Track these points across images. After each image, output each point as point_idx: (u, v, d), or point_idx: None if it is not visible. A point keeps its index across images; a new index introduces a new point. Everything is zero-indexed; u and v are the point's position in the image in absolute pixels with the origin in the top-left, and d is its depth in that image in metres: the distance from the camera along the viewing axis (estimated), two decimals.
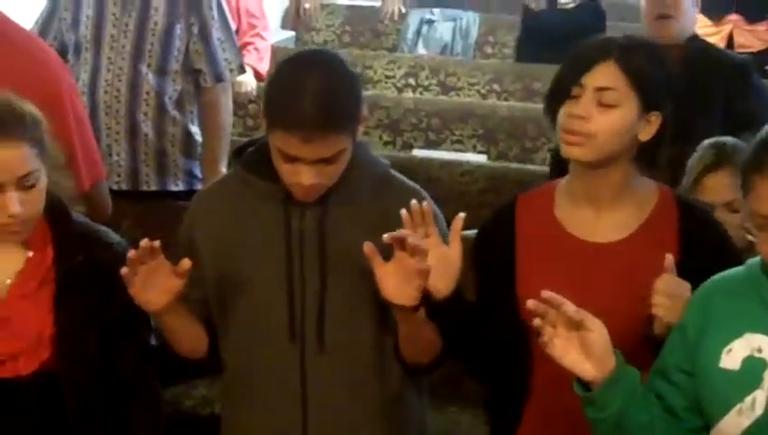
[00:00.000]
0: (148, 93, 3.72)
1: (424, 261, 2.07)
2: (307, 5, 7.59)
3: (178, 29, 3.73)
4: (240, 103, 5.07)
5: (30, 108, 2.26)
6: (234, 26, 4.02)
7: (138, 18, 3.70)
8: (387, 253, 2.10)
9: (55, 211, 2.33)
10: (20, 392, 2.25)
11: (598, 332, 1.92)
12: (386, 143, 5.50)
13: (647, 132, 2.18)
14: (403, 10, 7.59)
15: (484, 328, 2.27)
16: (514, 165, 4.88)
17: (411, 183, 2.35)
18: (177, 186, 3.87)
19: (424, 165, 4.50)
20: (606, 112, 2.14)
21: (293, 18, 7.66)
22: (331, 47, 7.32)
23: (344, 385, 2.28)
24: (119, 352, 2.35)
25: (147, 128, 3.75)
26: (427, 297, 2.14)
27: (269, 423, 2.31)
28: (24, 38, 2.87)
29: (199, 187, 3.86)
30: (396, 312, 2.16)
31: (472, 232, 2.31)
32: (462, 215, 2.16)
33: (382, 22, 7.61)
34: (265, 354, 2.28)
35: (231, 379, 2.38)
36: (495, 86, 6.34)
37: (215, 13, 3.80)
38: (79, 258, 2.30)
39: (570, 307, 1.91)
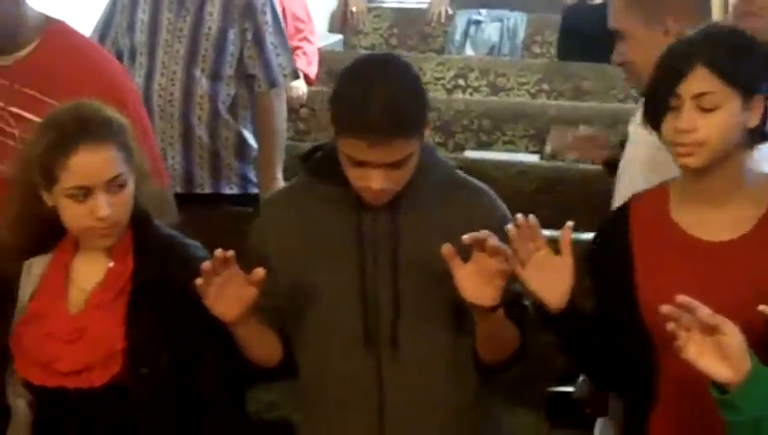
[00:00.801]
0: (201, 98, 3.73)
1: (503, 262, 2.06)
2: (354, 9, 7.59)
3: (232, 34, 3.73)
4: (292, 108, 5.07)
5: (115, 114, 2.28)
6: None
7: (192, 23, 3.70)
8: (461, 253, 2.08)
9: (140, 221, 2.32)
10: (93, 404, 2.24)
11: (733, 335, 1.90)
12: (438, 145, 5.48)
13: (754, 118, 2.14)
14: (450, 11, 7.56)
15: (605, 335, 2.24)
16: (569, 164, 4.85)
17: (478, 182, 2.34)
18: (232, 189, 3.87)
19: (477, 166, 4.45)
20: (710, 116, 2.10)
21: (341, 21, 7.66)
22: (379, 50, 7.31)
23: (420, 392, 2.26)
24: (198, 369, 2.30)
25: (201, 131, 3.75)
26: (539, 307, 2.14)
27: (346, 430, 2.29)
28: (88, 47, 2.87)
29: (254, 190, 3.87)
30: (475, 313, 2.15)
31: (584, 235, 2.27)
32: (570, 224, 2.12)
33: (429, 24, 7.59)
34: (340, 362, 2.27)
35: (306, 387, 2.36)
36: (545, 86, 6.31)
37: (269, 18, 3.79)
38: (154, 272, 2.28)
39: (704, 311, 1.89)
